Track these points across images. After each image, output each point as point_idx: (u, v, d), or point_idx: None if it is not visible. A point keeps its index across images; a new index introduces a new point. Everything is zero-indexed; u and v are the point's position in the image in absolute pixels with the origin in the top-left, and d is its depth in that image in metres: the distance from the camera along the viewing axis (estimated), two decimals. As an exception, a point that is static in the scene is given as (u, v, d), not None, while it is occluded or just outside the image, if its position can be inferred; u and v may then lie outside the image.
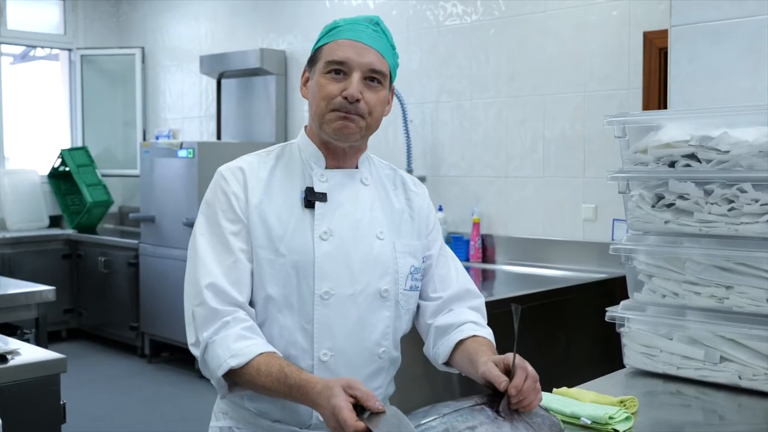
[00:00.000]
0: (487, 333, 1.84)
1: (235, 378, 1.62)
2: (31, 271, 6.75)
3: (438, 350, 1.83)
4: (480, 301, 1.93)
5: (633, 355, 2.16)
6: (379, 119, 1.77)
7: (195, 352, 1.66)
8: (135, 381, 6.13)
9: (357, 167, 1.83)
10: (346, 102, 1.69)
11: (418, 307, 1.90)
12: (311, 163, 1.79)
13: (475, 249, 4.94)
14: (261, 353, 1.60)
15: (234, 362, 1.58)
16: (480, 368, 1.62)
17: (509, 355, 1.57)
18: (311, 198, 1.74)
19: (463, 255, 4.97)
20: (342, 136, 1.73)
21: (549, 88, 4.73)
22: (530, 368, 1.55)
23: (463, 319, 1.84)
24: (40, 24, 8.02)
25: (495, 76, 4.99)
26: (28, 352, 2.79)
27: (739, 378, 1.99)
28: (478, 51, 5.06)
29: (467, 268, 4.81)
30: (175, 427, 4.94)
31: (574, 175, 4.61)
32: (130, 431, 5.01)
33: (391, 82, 1.79)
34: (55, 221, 7.86)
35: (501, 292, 4.34)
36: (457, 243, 5.01)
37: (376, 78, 1.73)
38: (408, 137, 5.23)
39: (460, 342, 1.79)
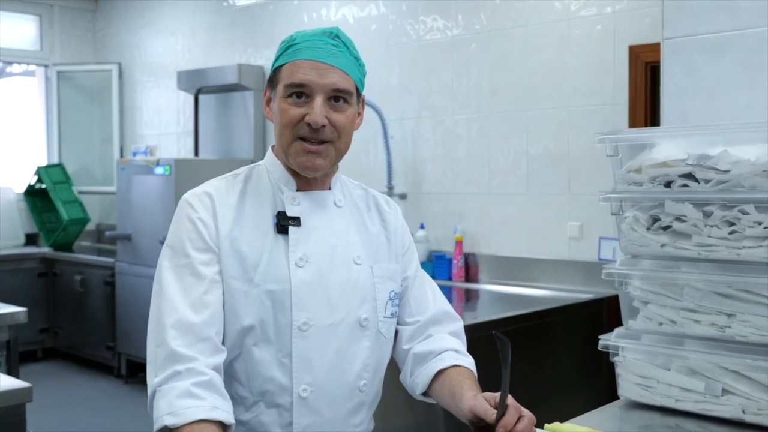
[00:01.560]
0: (469, 363, 1.74)
1: None
2: (6, 290, 6.61)
3: (416, 379, 1.73)
4: (459, 324, 1.83)
5: (628, 386, 2.05)
6: (350, 139, 1.67)
7: (148, 393, 1.53)
8: (111, 401, 5.98)
9: (329, 188, 1.72)
10: (309, 128, 1.59)
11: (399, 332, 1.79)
12: (281, 185, 1.68)
13: (458, 268, 4.83)
14: (199, 420, 1.44)
15: (169, 421, 1.44)
16: (468, 402, 1.52)
17: (498, 394, 1.46)
18: (284, 223, 1.63)
19: (446, 274, 4.87)
20: (309, 171, 1.64)
21: (532, 104, 4.64)
22: (525, 410, 1.45)
23: (443, 347, 1.74)
24: (16, 40, 7.89)
25: (477, 91, 4.90)
26: (-8, 381, 2.66)
27: (743, 412, 1.87)
28: (460, 66, 4.97)
29: (450, 288, 4.72)
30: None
31: (559, 192, 4.52)
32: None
33: (359, 94, 1.68)
34: (31, 239, 7.74)
35: (485, 313, 4.24)
36: (439, 262, 4.91)
37: (342, 97, 1.62)
38: (388, 154, 5.13)
39: (440, 372, 1.69)
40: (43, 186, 7.59)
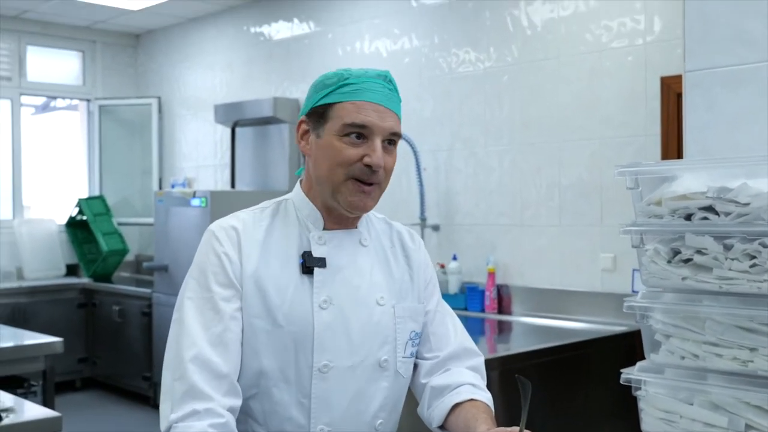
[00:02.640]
0: (486, 397, 1.73)
1: None
2: (46, 321, 6.74)
3: (432, 412, 1.72)
4: (479, 360, 1.83)
5: (651, 421, 2.03)
6: (389, 179, 1.69)
7: (162, 426, 1.53)
8: (148, 431, 6.03)
9: (356, 227, 1.73)
10: (367, 170, 1.60)
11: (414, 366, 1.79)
12: (308, 223, 1.68)
13: (491, 299, 4.82)
14: None
15: None
16: None
17: (514, 429, 1.46)
18: (310, 264, 1.62)
19: (479, 306, 4.86)
20: (357, 210, 1.65)
21: (564, 135, 4.64)
22: None
23: (460, 381, 1.73)
24: (59, 75, 8.10)
25: (509, 123, 4.91)
26: (24, 410, 2.71)
27: (766, 447, 1.86)
28: (492, 98, 5.00)
29: (482, 320, 4.71)
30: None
31: (592, 224, 4.50)
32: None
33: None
34: (71, 270, 7.86)
35: (517, 345, 4.22)
36: (472, 293, 4.90)
37: (393, 140, 1.65)
38: (421, 185, 5.15)
39: (457, 405, 1.68)
40: (84, 217, 7.73)
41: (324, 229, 1.68)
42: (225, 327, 1.56)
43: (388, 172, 1.65)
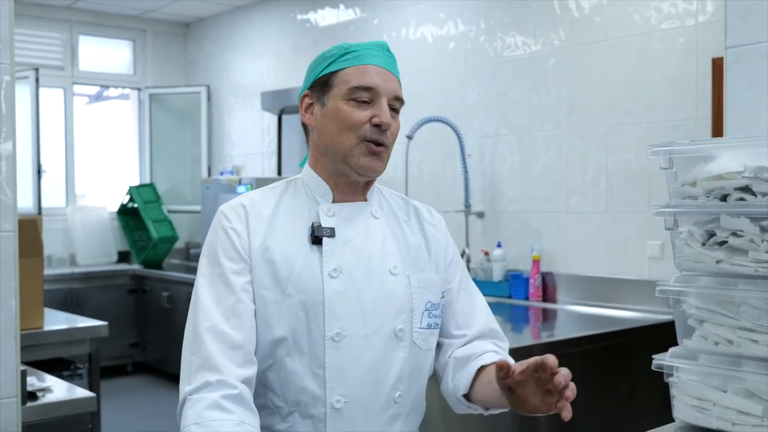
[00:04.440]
0: (510, 359, 1.69)
1: None
2: (97, 306, 6.86)
3: (458, 381, 1.69)
4: (506, 345, 1.79)
5: (683, 409, 1.96)
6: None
7: (180, 400, 1.53)
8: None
9: (366, 199, 1.72)
10: (377, 130, 1.60)
11: (439, 345, 1.76)
12: (317, 197, 1.68)
13: (535, 287, 4.75)
14: None
15: (195, 430, 1.45)
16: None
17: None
18: (318, 234, 1.62)
19: (523, 293, 4.79)
20: (370, 172, 1.64)
21: (611, 120, 4.54)
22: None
23: (484, 349, 1.72)
24: (111, 65, 8.21)
25: (555, 107, 4.82)
26: (60, 391, 2.75)
27: (802, 436, 1.78)
28: (538, 82, 4.91)
29: (526, 308, 4.64)
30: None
31: (639, 210, 4.40)
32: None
33: None
34: (123, 256, 7.99)
35: (561, 332, 4.15)
36: (516, 281, 4.83)
37: (395, 106, 1.65)
38: (466, 172, 5.09)
39: (482, 368, 1.66)
40: (135, 205, 7.84)
41: (333, 202, 1.68)
42: (237, 299, 1.57)
43: (394, 135, 1.66)
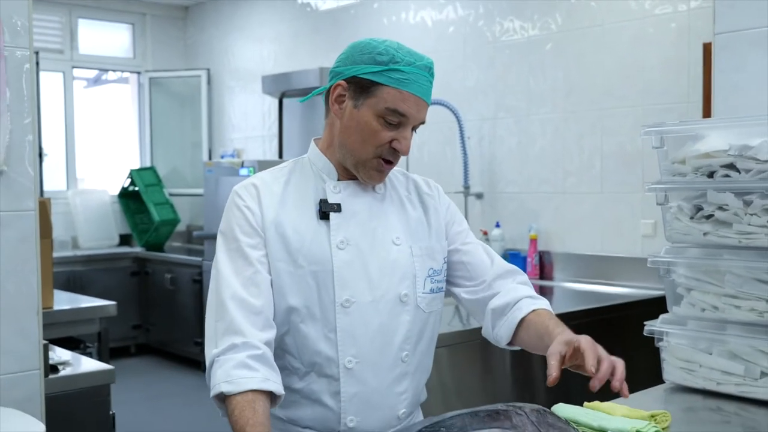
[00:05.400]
0: (545, 304, 1.84)
1: (225, 403, 1.61)
2: (100, 288, 6.94)
3: (499, 332, 1.83)
4: (524, 277, 1.92)
5: (672, 370, 2.10)
6: None
7: (207, 363, 1.67)
8: (198, 395, 6.21)
9: None
10: (393, 152, 1.73)
11: (465, 293, 1.89)
12: (323, 175, 1.80)
13: (533, 266, 4.89)
14: (251, 390, 1.58)
15: (225, 388, 1.58)
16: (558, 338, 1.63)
17: (579, 339, 1.60)
18: (325, 209, 1.75)
19: (521, 272, 4.92)
20: (371, 183, 1.79)
21: (606, 103, 4.66)
22: (602, 352, 1.60)
23: (517, 296, 1.83)
24: (110, 48, 8.27)
25: (552, 91, 4.94)
26: (79, 364, 2.86)
27: (781, 394, 1.92)
28: (535, 66, 5.03)
29: (524, 285, 4.77)
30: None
31: (632, 191, 4.53)
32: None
33: None
34: (124, 239, 8.07)
35: (559, 308, 4.28)
36: (514, 260, 4.96)
37: (417, 126, 1.77)
38: (465, 154, 5.21)
39: (522, 320, 1.79)
40: (136, 188, 7.93)
41: (339, 180, 1.80)
42: (255, 270, 1.71)
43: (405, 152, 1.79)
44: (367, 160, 1.74)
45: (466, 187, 5.25)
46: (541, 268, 4.92)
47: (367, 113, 1.71)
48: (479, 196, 5.32)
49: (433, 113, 5.29)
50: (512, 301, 1.82)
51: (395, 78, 1.69)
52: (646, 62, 4.48)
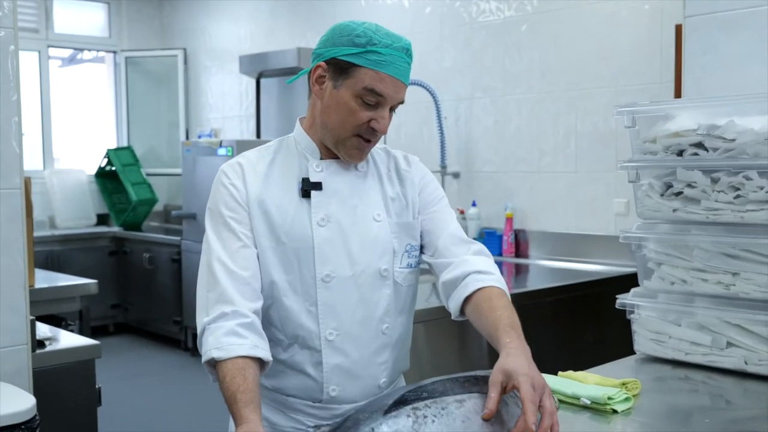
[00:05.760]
0: (494, 280, 1.80)
1: (216, 368, 1.66)
2: (79, 267, 6.94)
3: (449, 305, 1.86)
4: (479, 246, 1.91)
5: (643, 342, 2.19)
6: None
7: (198, 331, 1.74)
8: (178, 373, 6.28)
9: None
10: (371, 131, 1.78)
11: (426, 261, 1.93)
12: (307, 154, 1.86)
13: (508, 244, 4.97)
14: (241, 356, 1.64)
15: (216, 354, 1.64)
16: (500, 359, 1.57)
17: (519, 379, 1.47)
18: (307, 187, 1.82)
19: (497, 250, 5.01)
20: (351, 161, 1.85)
21: (581, 84, 4.74)
22: (545, 399, 1.47)
23: (466, 271, 1.82)
24: (86, 27, 8.23)
25: (528, 72, 5.01)
26: (65, 339, 2.91)
27: (745, 363, 2.01)
28: (511, 47, 5.10)
29: (500, 263, 4.86)
30: (213, 415, 5.06)
31: (606, 170, 4.62)
32: (168, 417, 5.19)
33: None
34: (102, 219, 8.07)
35: (534, 284, 4.38)
36: (490, 238, 5.05)
37: (396, 107, 1.82)
38: (442, 134, 5.28)
39: (468, 298, 1.79)
40: (113, 168, 7.92)
41: (321, 159, 1.87)
42: (243, 244, 1.78)
43: (385, 131, 1.84)
44: (346, 139, 1.79)
45: (443, 166, 5.32)
46: (516, 246, 5.01)
47: (345, 94, 1.76)
48: (456, 175, 5.40)
49: (410, 93, 5.32)
50: (461, 275, 1.82)
51: (372, 60, 1.75)
52: (620, 44, 4.56)
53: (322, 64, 1.81)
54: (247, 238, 1.79)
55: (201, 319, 1.73)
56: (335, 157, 1.87)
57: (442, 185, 5.30)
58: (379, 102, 1.76)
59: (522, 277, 4.61)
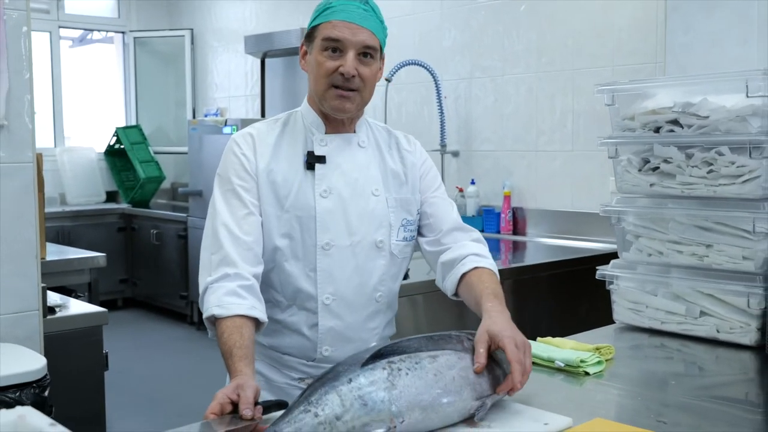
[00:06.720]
0: (488, 263, 1.97)
1: (215, 326, 1.78)
2: (88, 243, 7.04)
3: (446, 284, 2.00)
4: (477, 234, 2.07)
5: (621, 311, 2.30)
6: (373, 88, 1.96)
7: (200, 290, 1.85)
8: (184, 346, 6.43)
9: (354, 131, 2.01)
10: (341, 78, 1.88)
11: (426, 244, 2.05)
12: (312, 129, 1.97)
13: (506, 221, 5.08)
14: (239, 315, 1.75)
15: (216, 311, 1.76)
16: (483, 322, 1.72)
17: (504, 340, 1.61)
18: (312, 161, 1.93)
19: (495, 227, 5.11)
20: (339, 112, 1.93)
21: (578, 63, 4.82)
22: (527, 359, 1.60)
23: (465, 252, 1.98)
24: (95, 8, 8.33)
25: (526, 51, 5.09)
26: (74, 307, 3.04)
27: (717, 331, 2.12)
28: (510, 27, 5.17)
29: (498, 240, 4.97)
30: (216, 386, 5.20)
31: (602, 149, 4.69)
32: (172, 386, 5.36)
33: (381, 52, 1.96)
34: (111, 196, 8.20)
35: (530, 260, 4.47)
36: (488, 216, 5.15)
37: (369, 53, 1.91)
38: (442, 113, 5.36)
39: (464, 275, 1.94)
40: (122, 146, 8.06)
41: (326, 133, 1.98)
42: (248, 211, 1.89)
43: (367, 81, 1.92)
44: (325, 92, 1.90)
45: (443, 145, 5.41)
46: (514, 223, 5.11)
47: (315, 53, 1.90)
48: (455, 154, 5.49)
49: (410, 73, 5.49)
50: (459, 257, 1.98)
51: (327, 14, 1.89)
52: (616, 23, 4.63)
53: (303, 41, 1.97)
54: (254, 206, 1.90)
55: (204, 279, 1.84)
56: (339, 131, 1.97)
57: (442, 164, 5.40)
58: (338, 47, 1.87)
59: (519, 253, 4.71)
